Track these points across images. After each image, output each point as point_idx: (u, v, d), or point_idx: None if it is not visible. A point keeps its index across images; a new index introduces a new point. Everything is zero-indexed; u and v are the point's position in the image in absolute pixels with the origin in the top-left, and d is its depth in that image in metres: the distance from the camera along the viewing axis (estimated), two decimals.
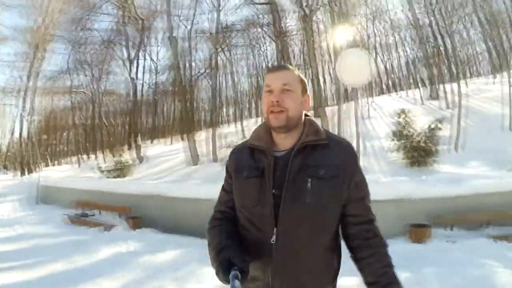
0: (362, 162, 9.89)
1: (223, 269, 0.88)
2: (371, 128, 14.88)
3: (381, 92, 25.98)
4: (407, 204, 6.02)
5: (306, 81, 1.09)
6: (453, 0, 17.31)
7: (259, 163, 1.04)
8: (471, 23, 20.01)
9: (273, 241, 0.97)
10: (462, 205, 6.02)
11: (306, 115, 1.11)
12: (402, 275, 3.09)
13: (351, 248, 1.06)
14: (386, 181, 7.21)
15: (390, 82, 27.44)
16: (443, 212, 5.87)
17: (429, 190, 6.33)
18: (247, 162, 1.07)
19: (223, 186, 1.17)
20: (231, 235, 1.03)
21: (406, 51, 24.53)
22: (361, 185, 1.06)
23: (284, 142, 1.05)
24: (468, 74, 20.36)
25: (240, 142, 1.44)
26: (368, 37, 21.30)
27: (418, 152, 8.84)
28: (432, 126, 8.91)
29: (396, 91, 25.65)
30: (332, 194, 0.99)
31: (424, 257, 4.70)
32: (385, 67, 25.73)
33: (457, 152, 10.54)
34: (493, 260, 4.18)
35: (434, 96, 18.48)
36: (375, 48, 22.73)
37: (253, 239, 1.02)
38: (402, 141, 9.46)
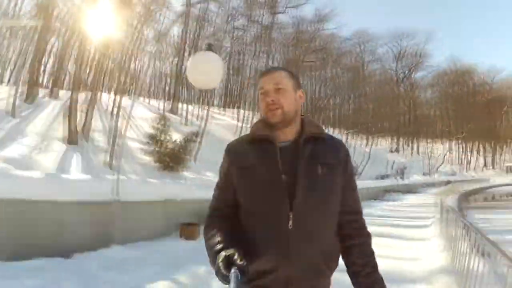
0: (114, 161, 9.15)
1: (224, 268, 0.88)
2: (113, 125, 14.22)
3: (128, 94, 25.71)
4: (174, 204, 6.38)
5: (298, 77, 1.18)
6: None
7: (264, 153, 1.06)
8: None
9: (290, 226, 0.99)
10: None
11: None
12: (194, 268, 3.56)
13: (340, 236, 1.12)
14: (154, 182, 7.09)
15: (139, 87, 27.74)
16: (203, 211, 6.58)
17: (191, 192, 6.93)
18: (248, 153, 1.08)
19: (218, 184, 1.17)
20: (230, 235, 1.02)
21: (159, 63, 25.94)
22: (353, 177, 1.18)
23: (283, 135, 1.09)
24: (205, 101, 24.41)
25: None
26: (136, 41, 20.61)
27: (172, 158, 9.43)
28: (188, 137, 9.91)
29: (142, 96, 26.28)
30: (338, 181, 1.08)
31: (201, 251, 4.95)
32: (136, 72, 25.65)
33: (195, 163, 12.43)
34: None
35: (174, 110, 20.59)
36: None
37: (266, 227, 1.01)
38: (156, 146, 9.74)
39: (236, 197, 1.10)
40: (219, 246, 0.97)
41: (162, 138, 9.80)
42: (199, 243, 5.55)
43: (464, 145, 52.02)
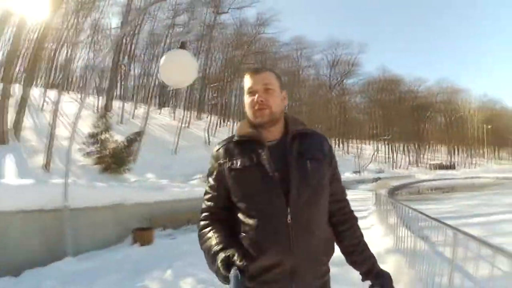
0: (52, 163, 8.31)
1: (224, 269, 0.89)
2: (45, 122, 12.73)
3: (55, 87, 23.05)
4: (124, 209, 5.97)
5: (281, 78, 1.21)
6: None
7: (252, 153, 1.07)
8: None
9: (289, 220, 1.02)
10: (166, 208, 6.89)
11: None
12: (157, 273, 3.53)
13: (333, 223, 1.19)
14: (101, 185, 6.55)
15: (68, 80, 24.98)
16: (154, 215, 6.35)
17: (141, 196, 6.59)
18: (238, 154, 1.09)
19: (208, 186, 1.16)
20: (228, 235, 1.04)
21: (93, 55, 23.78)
22: (337, 169, 1.23)
23: (270, 133, 1.12)
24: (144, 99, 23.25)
25: None
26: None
27: (114, 159, 8.88)
28: (131, 137, 9.35)
29: (72, 90, 23.79)
30: (326, 173, 1.12)
31: (161, 256, 4.85)
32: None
33: (135, 164, 11.81)
34: None
35: (108, 108, 19.17)
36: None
37: (266, 225, 1.03)
38: (97, 146, 9.09)
39: (230, 199, 1.10)
40: (218, 247, 0.97)
41: (103, 138, 9.13)
42: (155, 247, 5.37)
43: (390, 146, 58.14)
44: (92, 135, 9.11)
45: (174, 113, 27.81)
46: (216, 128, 27.65)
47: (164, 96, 31.20)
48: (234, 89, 35.00)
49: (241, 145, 1.11)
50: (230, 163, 1.09)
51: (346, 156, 50.49)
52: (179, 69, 3.22)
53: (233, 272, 0.85)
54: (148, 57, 28.19)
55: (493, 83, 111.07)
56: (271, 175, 1.03)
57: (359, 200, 15.31)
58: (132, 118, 19.61)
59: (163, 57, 3.34)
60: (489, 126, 60.90)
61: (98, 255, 4.77)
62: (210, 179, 1.15)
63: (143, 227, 5.75)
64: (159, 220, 6.31)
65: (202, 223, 1.12)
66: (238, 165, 1.07)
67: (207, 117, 31.29)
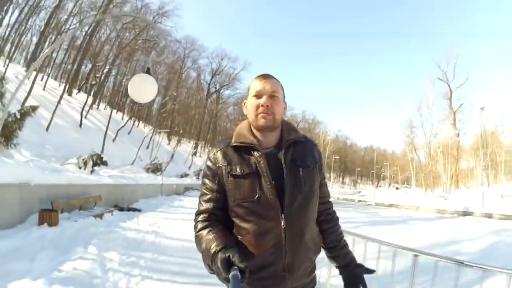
0: None
1: (223, 269, 0.91)
2: None
3: None
4: (29, 189, 6.06)
5: (284, 89, 1.24)
6: None
7: (250, 160, 1.13)
8: None
9: (283, 225, 1.09)
10: (64, 192, 7.08)
11: None
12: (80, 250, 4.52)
13: (319, 222, 1.28)
14: (7, 161, 6.14)
15: None
16: (54, 198, 6.54)
17: (43, 177, 6.63)
18: (236, 160, 1.14)
19: (205, 187, 1.20)
20: (226, 235, 1.08)
21: None
22: (324, 172, 1.31)
23: (267, 140, 1.17)
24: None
25: None
26: None
27: (2, 132, 8.03)
28: (26, 110, 8.52)
29: None
30: (316, 179, 1.20)
31: (74, 235, 5.45)
32: None
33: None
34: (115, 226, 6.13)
35: None
36: None
37: (261, 228, 1.10)
38: None
39: (227, 201, 1.15)
40: (217, 248, 0.98)
41: None
42: (63, 228, 5.80)
43: None
44: None
45: (46, 82, 23.66)
46: (88, 110, 25.05)
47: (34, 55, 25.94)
48: (114, 71, 32.38)
49: (239, 151, 1.15)
50: (229, 168, 1.14)
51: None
52: (143, 89, 3.90)
53: (233, 272, 0.86)
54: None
55: (347, 120, 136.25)
56: (268, 183, 1.09)
57: None
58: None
59: (132, 78, 4.12)
60: (337, 157, 75.30)
61: (10, 235, 4.89)
62: (207, 181, 1.18)
63: (50, 209, 5.95)
64: (58, 203, 6.49)
65: (200, 224, 1.14)
66: (238, 171, 1.12)
67: (76, 94, 28.00)
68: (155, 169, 22.97)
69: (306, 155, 1.19)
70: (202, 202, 1.18)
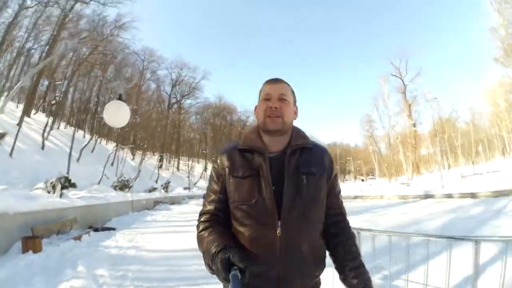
0: None
1: (223, 269, 0.91)
2: None
3: None
4: (8, 218, 6.34)
5: (295, 94, 1.24)
6: None
7: (253, 163, 1.14)
8: None
9: (278, 233, 1.08)
10: (42, 218, 7.36)
11: None
12: (70, 272, 4.99)
13: (325, 236, 1.22)
14: None
15: None
16: (34, 224, 6.82)
17: (23, 205, 6.89)
18: (241, 162, 1.15)
19: (210, 188, 1.22)
20: (227, 236, 1.09)
21: None
22: (337, 183, 1.27)
23: (275, 145, 1.17)
24: None
25: None
26: None
27: None
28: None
29: None
30: (322, 188, 1.17)
31: (60, 259, 5.86)
32: None
33: None
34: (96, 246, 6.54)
35: None
36: None
37: (256, 233, 1.10)
38: None
39: (228, 203, 1.16)
40: (218, 248, 0.99)
41: None
42: (48, 253, 6.20)
43: None
44: None
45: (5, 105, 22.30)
46: (49, 131, 24.20)
47: None
48: (71, 88, 31.41)
49: (244, 154, 1.16)
50: (232, 169, 1.15)
51: (176, 173, 53.18)
52: (117, 115, 4.47)
53: (233, 272, 0.87)
54: None
55: (308, 119, 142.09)
56: (268, 188, 1.09)
57: (192, 212, 17.57)
58: None
59: (107, 105, 4.53)
60: None
61: (2, 262, 5.18)
62: (213, 183, 1.21)
63: (32, 236, 6.25)
64: (38, 229, 6.77)
65: (202, 225, 1.16)
66: (239, 173, 1.14)
67: (35, 115, 26.79)
68: (123, 186, 22.65)
69: (312, 162, 1.17)
70: (206, 203, 1.22)
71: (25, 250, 5.99)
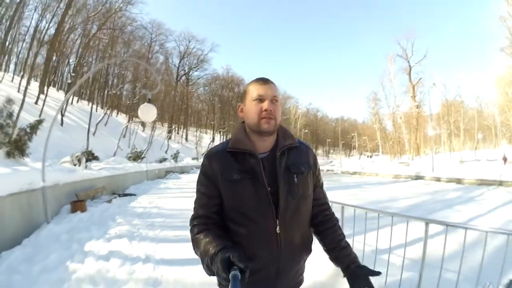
0: None
1: (223, 269, 0.91)
2: None
3: None
4: (58, 188, 8.14)
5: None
6: None
7: (246, 166, 1.15)
8: None
9: (278, 230, 1.13)
10: (80, 187, 9.27)
11: None
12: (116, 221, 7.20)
13: (314, 224, 1.31)
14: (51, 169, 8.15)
15: None
16: (76, 192, 8.73)
17: (67, 177, 8.76)
18: (233, 165, 1.16)
19: (201, 192, 1.22)
20: (225, 237, 1.10)
21: None
22: (320, 175, 1.35)
23: (264, 144, 1.20)
24: None
25: None
26: None
27: (16, 145, 9.65)
28: (36, 124, 10.23)
29: None
30: (310, 184, 1.25)
31: (104, 215, 7.75)
32: None
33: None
34: (125, 206, 8.50)
35: None
36: None
37: (255, 233, 1.14)
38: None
39: (222, 206, 1.18)
40: (217, 248, 0.99)
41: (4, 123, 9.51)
42: (92, 212, 8.08)
43: (226, 137, 66.46)
44: None
45: (19, 83, 24.16)
46: (66, 107, 25.99)
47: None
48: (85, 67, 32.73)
49: (235, 156, 1.17)
50: (226, 172, 1.15)
51: (185, 144, 55.26)
52: (148, 113, 6.47)
53: (233, 272, 0.87)
54: None
55: (318, 94, 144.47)
56: (264, 190, 1.13)
57: None
58: None
59: (141, 106, 6.54)
60: (306, 131, 79.31)
61: (59, 221, 7.00)
62: (202, 186, 1.21)
63: (78, 200, 8.17)
64: (81, 195, 8.70)
65: (196, 228, 1.16)
66: (234, 176, 1.14)
67: (46, 90, 28.24)
68: (136, 157, 24.60)
69: (300, 161, 1.22)
70: (198, 207, 1.21)
71: (73, 210, 7.74)
